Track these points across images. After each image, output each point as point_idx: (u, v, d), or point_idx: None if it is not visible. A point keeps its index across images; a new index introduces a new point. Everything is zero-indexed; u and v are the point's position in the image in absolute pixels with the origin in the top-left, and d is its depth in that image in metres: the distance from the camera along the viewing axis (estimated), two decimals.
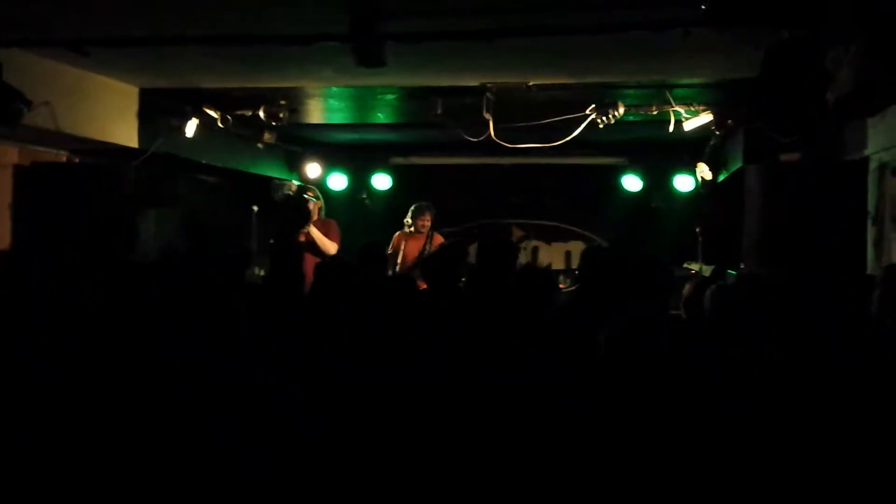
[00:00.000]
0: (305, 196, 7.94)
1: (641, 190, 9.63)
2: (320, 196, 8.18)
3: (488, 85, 6.80)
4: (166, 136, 7.23)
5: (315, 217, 7.98)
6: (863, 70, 4.96)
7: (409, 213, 8.31)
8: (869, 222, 6.43)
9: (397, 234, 8.42)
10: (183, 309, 4.14)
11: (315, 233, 7.82)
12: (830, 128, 6.48)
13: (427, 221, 8.25)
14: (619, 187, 9.67)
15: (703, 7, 4.40)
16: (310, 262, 7.74)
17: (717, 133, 7.48)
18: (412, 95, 7.25)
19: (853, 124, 6.48)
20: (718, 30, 4.76)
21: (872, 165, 6.44)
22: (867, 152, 6.49)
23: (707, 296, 5.07)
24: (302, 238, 7.88)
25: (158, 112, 7.18)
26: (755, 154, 7.11)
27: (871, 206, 6.41)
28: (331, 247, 7.85)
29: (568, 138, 7.27)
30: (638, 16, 4.86)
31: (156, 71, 6.59)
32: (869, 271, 6.32)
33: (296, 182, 9.15)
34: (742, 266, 7.49)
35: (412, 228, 8.28)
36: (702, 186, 8.86)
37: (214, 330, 3.87)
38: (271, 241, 6.32)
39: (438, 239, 8.32)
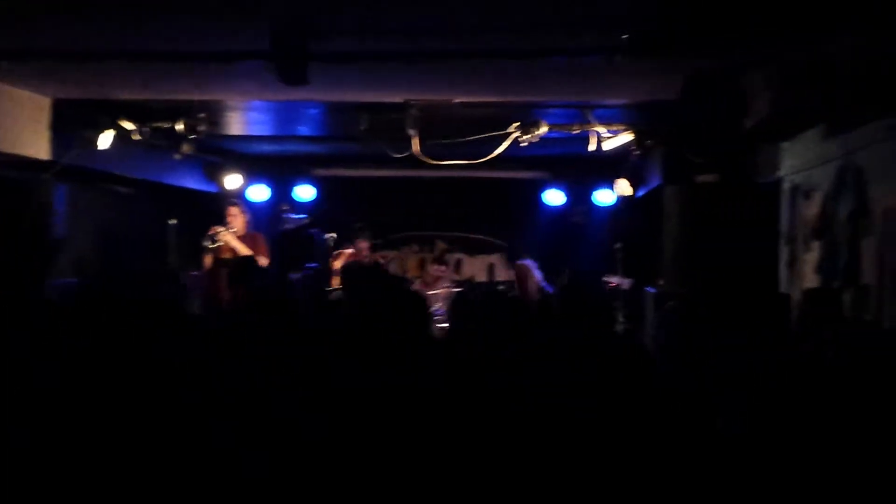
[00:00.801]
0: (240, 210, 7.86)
1: (563, 204, 9.72)
2: (246, 210, 8.05)
3: (413, 102, 6.77)
4: (80, 147, 7.00)
5: (242, 231, 7.84)
6: (778, 98, 5.11)
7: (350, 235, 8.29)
8: (782, 243, 6.63)
9: (340, 253, 8.41)
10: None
11: (237, 244, 7.68)
12: (745, 151, 6.65)
13: (366, 245, 8.26)
14: (541, 201, 9.75)
15: (624, 36, 4.48)
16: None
17: (637, 151, 7.60)
18: (336, 110, 7.19)
19: (767, 147, 6.67)
20: (639, 57, 4.83)
21: (785, 187, 6.64)
22: (780, 174, 6.69)
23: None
24: (227, 252, 7.71)
25: (72, 123, 6.95)
26: (673, 173, 7.26)
27: (784, 227, 6.61)
28: (260, 260, 7.74)
29: (491, 156, 7.30)
30: (562, 41, 4.92)
31: (69, 82, 6.38)
32: (782, 290, 6.52)
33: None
34: (660, 283, 7.65)
35: (352, 250, 8.24)
36: (621, 202, 9.02)
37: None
38: None
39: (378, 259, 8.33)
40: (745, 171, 6.90)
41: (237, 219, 7.90)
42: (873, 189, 5.09)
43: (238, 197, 9.17)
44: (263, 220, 9.95)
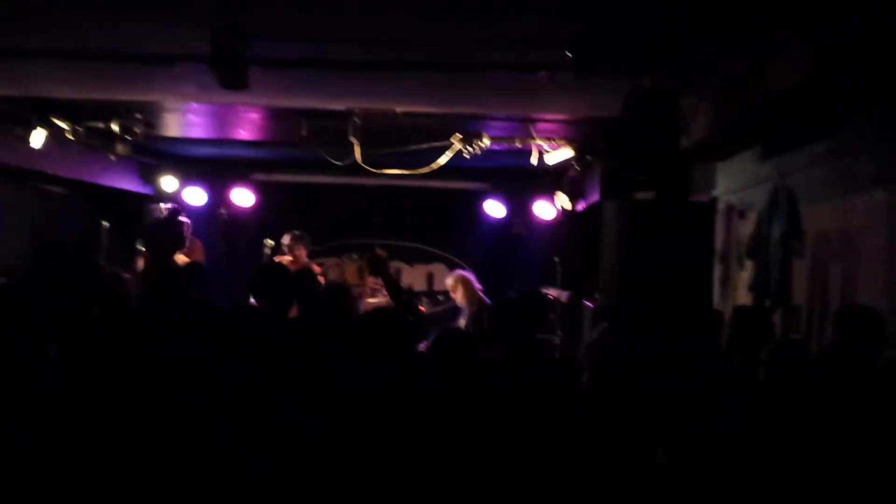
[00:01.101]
0: (181, 219, 7.64)
1: (503, 215, 9.75)
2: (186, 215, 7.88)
3: (355, 110, 6.73)
4: (10, 145, 6.81)
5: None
6: (715, 120, 5.20)
7: (287, 241, 8.11)
8: (716, 261, 6.74)
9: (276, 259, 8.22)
10: None
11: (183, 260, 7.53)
12: (682, 169, 6.74)
13: (303, 253, 8.10)
14: (481, 212, 9.77)
15: (567, 54, 4.51)
16: None
17: (577, 166, 7.67)
18: (277, 115, 7.11)
19: (702, 166, 6.77)
20: (582, 74, 4.87)
21: (720, 206, 6.76)
22: (715, 193, 6.80)
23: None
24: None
25: (2, 120, 6.76)
26: (611, 189, 7.31)
27: (718, 246, 6.73)
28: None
29: (433, 166, 7.30)
30: (505, 56, 4.93)
31: (0, 78, 6.20)
32: (715, 307, 6.62)
33: (167, 204, 8.66)
34: (597, 296, 7.71)
35: (290, 258, 8.07)
36: (560, 215, 9.08)
37: None
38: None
39: (316, 270, 8.18)
40: (681, 189, 7.00)
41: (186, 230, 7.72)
42: (806, 211, 5.20)
43: (174, 200, 9.00)
44: (200, 224, 9.80)
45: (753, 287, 5.71)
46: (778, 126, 5.06)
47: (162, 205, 8.49)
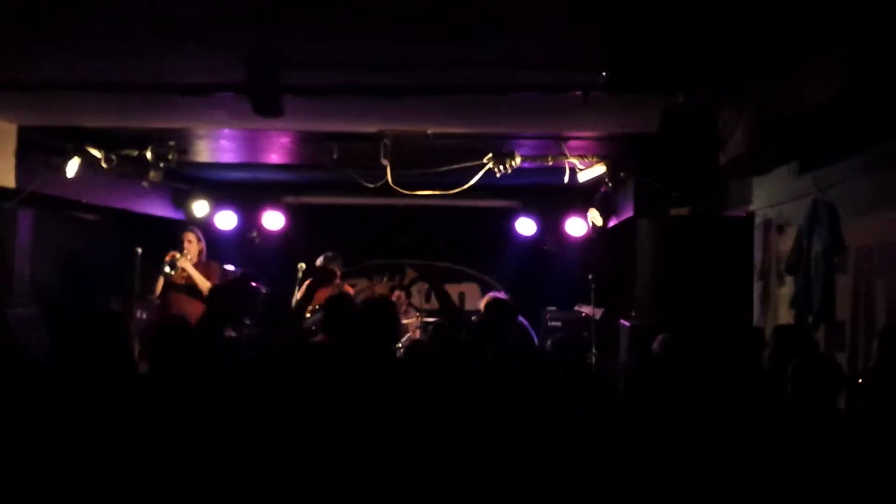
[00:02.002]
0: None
1: (534, 233, 9.70)
2: (202, 238, 7.90)
3: (386, 132, 6.73)
4: (46, 175, 6.87)
5: (196, 259, 7.70)
6: (752, 135, 5.13)
7: (321, 263, 8.09)
8: (755, 276, 6.65)
9: (310, 282, 8.20)
10: None
11: (192, 271, 7.55)
12: (718, 185, 6.67)
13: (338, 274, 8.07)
14: (512, 230, 9.72)
15: (603, 74, 4.47)
16: (187, 303, 7.54)
17: (609, 183, 7.61)
18: (307, 140, 7.12)
19: (739, 181, 6.69)
20: (616, 94, 4.83)
21: (757, 221, 6.67)
22: (752, 208, 6.72)
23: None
24: (181, 279, 7.58)
25: (38, 150, 6.82)
26: (645, 206, 7.26)
27: (757, 262, 6.63)
28: None
29: (464, 187, 7.27)
30: (539, 77, 4.90)
31: (36, 109, 6.27)
32: (755, 325, 6.53)
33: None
34: (633, 314, 7.64)
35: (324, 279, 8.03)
36: (593, 232, 9.01)
37: None
38: None
39: (347, 290, 8.17)
40: (717, 204, 6.92)
41: (193, 245, 7.74)
42: (847, 226, 5.11)
43: (197, 224, 9.04)
44: (230, 248, 9.84)
45: (795, 303, 5.61)
46: (816, 140, 4.98)
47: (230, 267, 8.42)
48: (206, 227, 9.37)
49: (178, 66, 4.93)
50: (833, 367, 4.21)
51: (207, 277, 7.62)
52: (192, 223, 9.04)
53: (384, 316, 4.64)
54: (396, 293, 9.27)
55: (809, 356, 4.49)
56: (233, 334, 5.63)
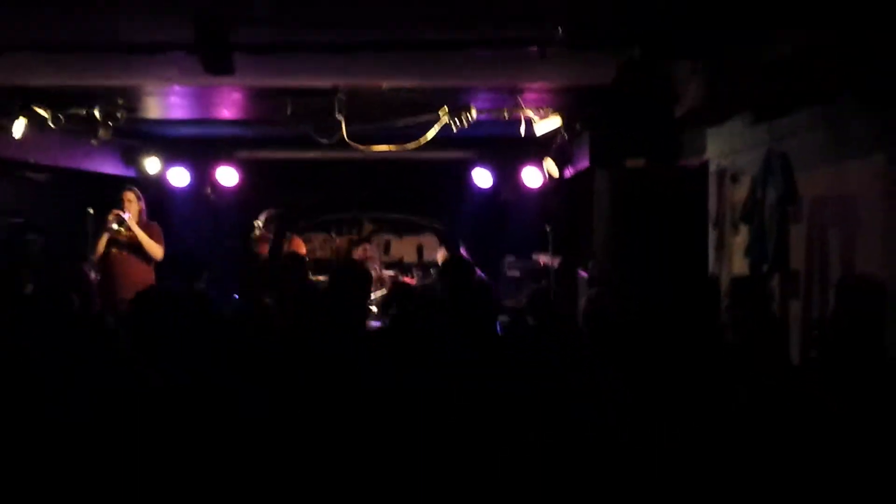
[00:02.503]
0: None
1: (491, 184, 9.70)
2: (142, 197, 7.75)
3: (340, 87, 6.63)
4: None
5: (136, 218, 7.56)
6: (708, 88, 5.15)
7: (261, 222, 8.04)
8: (710, 226, 6.73)
9: (257, 236, 8.15)
10: None
11: (138, 230, 7.44)
12: (673, 135, 6.70)
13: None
14: (469, 181, 9.70)
15: (559, 29, 4.44)
16: (131, 263, 7.45)
17: (566, 135, 7.62)
18: (260, 95, 7.00)
19: (693, 131, 6.73)
20: (573, 49, 4.81)
21: (712, 170, 6.73)
22: (707, 158, 6.77)
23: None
24: (121, 236, 7.46)
25: None
26: (600, 157, 7.27)
27: (712, 211, 6.71)
28: (157, 250, 7.51)
29: (421, 140, 7.23)
30: (495, 33, 4.85)
31: None
32: (710, 273, 6.63)
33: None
34: (591, 264, 7.71)
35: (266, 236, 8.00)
36: (549, 182, 9.03)
37: None
38: None
39: (297, 242, 8.13)
40: (672, 155, 6.96)
41: (133, 205, 7.60)
42: (801, 176, 5.17)
43: (150, 181, 8.91)
44: (184, 205, 9.71)
45: (749, 252, 5.69)
46: (771, 92, 5.01)
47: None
48: (158, 184, 9.25)
49: (126, 24, 4.80)
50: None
51: (150, 237, 7.52)
52: (144, 181, 8.90)
53: (357, 283, 4.66)
54: (363, 247, 9.23)
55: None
56: None
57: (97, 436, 3.13)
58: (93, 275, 8.22)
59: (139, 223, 7.56)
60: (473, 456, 3.01)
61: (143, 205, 7.69)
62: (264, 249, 8.01)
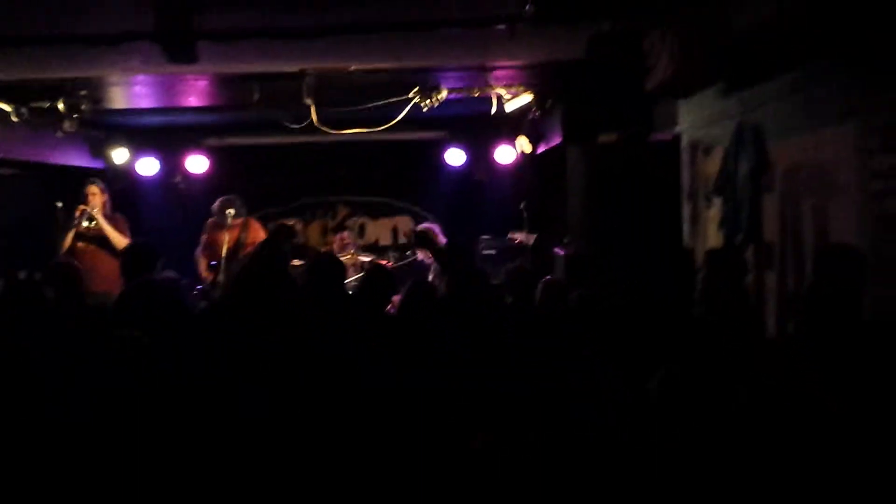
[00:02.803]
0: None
1: (464, 163, 9.65)
2: (106, 189, 7.63)
3: (308, 70, 6.55)
4: None
5: (101, 211, 7.45)
6: (678, 60, 5.12)
7: (216, 209, 7.96)
8: (684, 199, 6.73)
9: (209, 223, 8.07)
10: None
11: (105, 225, 7.34)
12: (644, 109, 6.67)
13: (232, 213, 7.89)
14: (441, 161, 9.65)
15: (527, 7, 4.39)
16: (99, 257, 7.35)
17: (537, 111, 7.58)
18: (227, 81, 6.90)
19: (664, 104, 6.70)
20: (542, 25, 4.76)
21: (683, 143, 6.72)
22: (678, 130, 6.76)
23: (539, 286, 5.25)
24: (83, 228, 7.36)
25: None
26: (573, 132, 7.22)
27: (685, 184, 6.70)
28: (122, 241, 7.40)
29: (391, 123, 7.17)
30: (462, 11, 4.80)
31: None
32: (685, 246, 6.64)
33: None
34: (566, 240, 7.70)
35: (221, 222, 7.92)
36: (522, 159, 9.00)
37: None
38: None
39: (255, 226, 8.04)
40: (644, 128, 6.94)
41: (97, 198, 7.49)
42: (773, 146, 5.17)
43: (118, 171, 8.78)
44: (154, 194, 9.59)
45: (723, 224, 5.70)
46: (741, 63, 4.99)
47: None
48: (126, 174, 9.11)
49: (86, 14, 4.68)
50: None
51: (115, 229, 7.42)
52: (113, 172, 8.76)
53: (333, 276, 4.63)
54: (340, 236, 9.15)
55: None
56: None
57: (97, 436, 3.09)
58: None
59: (105, 216, 7.46)
60: (473, 456, 2.99)
61: (107, 197, 7.58)
62: (215, 237, 7.94)
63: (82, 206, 7.39)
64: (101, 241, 7.36)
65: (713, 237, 6.05)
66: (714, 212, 6.04)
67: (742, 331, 4.30)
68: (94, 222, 7.39)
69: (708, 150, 6.24)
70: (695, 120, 6.49)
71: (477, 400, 3.29)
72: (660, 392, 3.03)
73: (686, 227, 6.66)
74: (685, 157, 6.68)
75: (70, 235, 7.38)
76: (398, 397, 3.25)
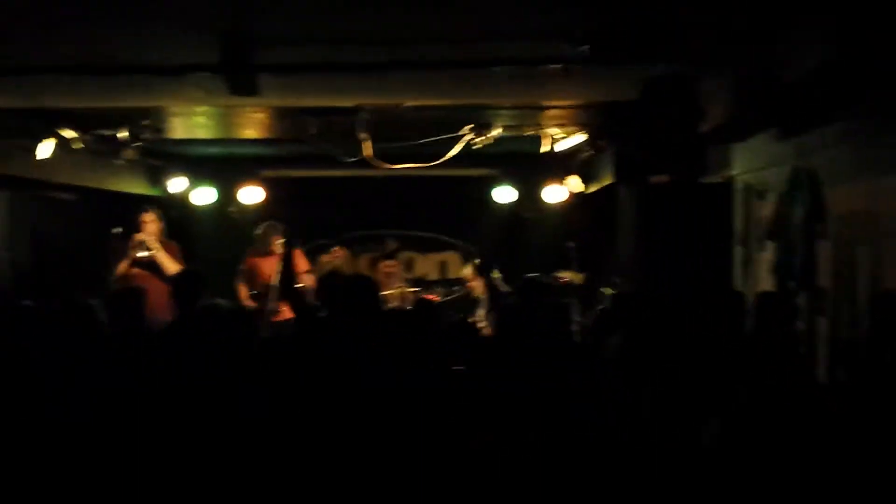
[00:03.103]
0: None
1: (513, 201, 9.68)
2: (161, 217, 7.78)
3: (363, 106, 6.65)
4: (20, 157, 6.76)
5: (156, 238, 7.58)
6: (733, 104, 5.12)
7: (260, 236, 8.07)
8: (736, 242, 6.67)
9: (249, 251, 8.18)
10: None
11: (158, 251, 7.47)
12: (699, 152, 6.66)
13: (279, 240, 7.97)
14: (491, 198, 9.69)
15: (584, 47, 4.43)
16: (151, 283, 7.45)
17: (589, 151, 7.60)
18: (284, 115, 7.03)
19: (718, 147, 6.68)
20: (597, 66, 4.80)
21: (737, 187, 6.68)
22: (732, 174, 6.73)
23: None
24: (141, 256, 7.50)
25: (11, 133, 6.70)
26: (624, 173, 7.24)
27: (737, 228, 6.65)
28: (175, 268, 7.51)
29: (443, 159, 7.23)
30: (518, 50, 4.85)
31: (8, 91, 6.11)
32: (736, 289, 6.56)
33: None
34: (615, 280, 7.66)
35: (264, 248, 8.02)
36: (572, 199, 9.01)
37: None
38: None
39: (300, 254, 8.11)
40: (697, 171, 6.92)
41: (152, 225, 7.64)
42: (828, 192, 5.13)
43: (174, 201, 8.95)
44: (209, 223, 9.76)
45: (776, 270, 5.65)
46: (797, 108, 4.97)
47: None
48: (182, 203, 9.30)
49: (152, 46, 4.84)
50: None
51: (169, 257, 7.55)
52: (168, 200, 8.95)
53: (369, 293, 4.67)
54: (385, 264, 9.21)
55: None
56: None
57: (97, 436, 3.13)
58: None
59: (158, 243, 7.61)
60: (473, 456, 2.99)
61: (162, 225, 7.73)
62: (257, 264, 8.05)
63: (139, 237, 7.54)
64: (155, 267, 7.50)
65: (765, 282, 5.99)
66: (767, 256, 5.99)
67: (792, 377, 4.24)
68: (150, 251, 7.53)
69: (762, 195, 6.19)
70: (749, 163, 6.46)
71: (477, 400, 3.28)
72: (716, 442, 3.01)
73: (738, 272, 6.60)
74: (738, 200, 6.63)
75: (125, 263, 7.53)
76: (398, 397, 3.26)
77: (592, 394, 3.68)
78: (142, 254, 7.51)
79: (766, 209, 5.96)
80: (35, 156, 6.79)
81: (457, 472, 2.97)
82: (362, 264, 10.47)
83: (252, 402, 3.36)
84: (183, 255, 7.74)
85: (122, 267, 7.52)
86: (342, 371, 3.65)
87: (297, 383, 3.57)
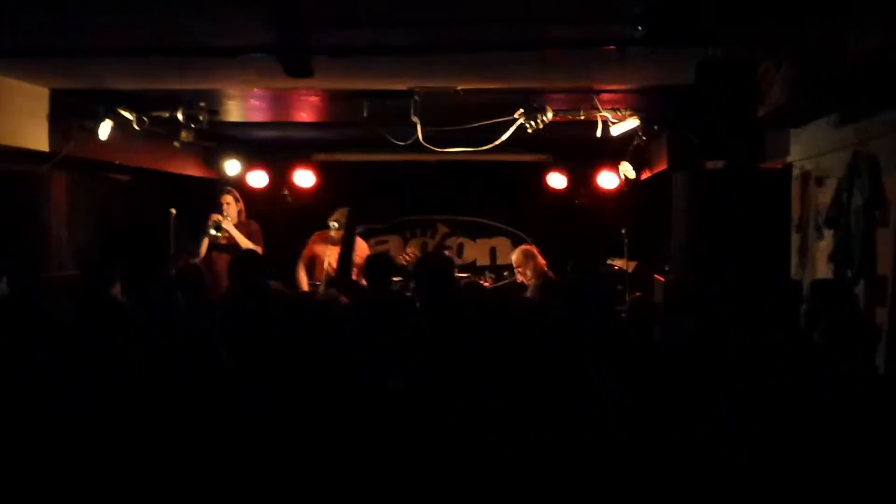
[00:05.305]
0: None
1: (565, 186, 9.62)
2: (240, 198, 7.93)
3: (416, 89, 6.66)
4: (78, 138, 6.90)
5: (236, 220, 7.76)
6: (792, 88, 5.02)
7: (336, 220, 8.10)
8: (793, 229, 6.55)
9: (315, 237, 8.23)
10: None
11: (235, 232, 7.62)
12: (755, 137, 6.55)
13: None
14: (543, 184, 9.65)
15: (639, 28, 4.37)
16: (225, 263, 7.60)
17: (643, 136, 7.51)
18: (337, 98, 7.08)
19: (775, 132, 6.57)
20: (652, 48, 4.73)
21: (795, 173, 6.56)
22: (789, 160, 6.60)
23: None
24: (224, 240, 7.67)
25: (70, 114, 6.84)
26: (679, 159, 7.16)
27: (794, 215, 6.53)
28: (256, 249, 7.67)
29: (496, 142, 7.20)
30: (572, 32, 4.81)
31: (67, 73, 6.28)
32: (792, 277, 6.45)
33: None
34: (667, 268, 7.59)
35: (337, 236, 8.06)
36: (625, 185, 8.93)
37: None
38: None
39: (362, 244, 8.16)
40: (753, 156, 6.81)
41: (232, 207, 7.80)
42: (888, 180, 5.00)
43: (230, 183, 9.08)
44: (262, 206, 9.87)
45: (834, 257, 5.53)
46: (858, 92, 4.85)
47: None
48: (238, 185, 9.43)
49: (208, 27, 4.89)
50: (869, 325, 4.16)
51: (248, 237, 7.69)
52: (224, 182, 9.08)
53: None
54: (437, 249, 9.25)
55: (845, 315, 4.44)
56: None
57: (97, 436, 3.16)
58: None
59: (239, 224, 7.75)
60: (473, 456, 2.98)
61: (241, 205, 7.89)
62: (316, 250, 8.08)
63: (214, 216, 7.69)
64: (233, 249, 7.63)
65: (822, 270, 5.87)
66: (825, 244, 5.87)
67: (850, 366, 4.15)
68: (221, 231, 7.69)
69: (820, 181, 6.07)
70: (807, 149, 6.33)
71: (477, 400, 3.26)
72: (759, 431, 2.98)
73: (794, 259, 6.48)
74: (795, 187, 6.51)
75: (205, 243, 7.73)
76: (399, 397, 3.25)
77: (592, 394, 3.64)
78: (213, 232, 7.67)
79: (825, 196, 5.84)
80: (93, 137, 6.92)
81: (457, 471, 2.96)
82: (412, 249, 10.51)
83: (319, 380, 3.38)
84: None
85: (203, 247, 7.73)
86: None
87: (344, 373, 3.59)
